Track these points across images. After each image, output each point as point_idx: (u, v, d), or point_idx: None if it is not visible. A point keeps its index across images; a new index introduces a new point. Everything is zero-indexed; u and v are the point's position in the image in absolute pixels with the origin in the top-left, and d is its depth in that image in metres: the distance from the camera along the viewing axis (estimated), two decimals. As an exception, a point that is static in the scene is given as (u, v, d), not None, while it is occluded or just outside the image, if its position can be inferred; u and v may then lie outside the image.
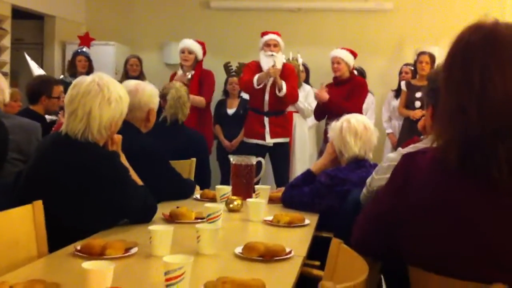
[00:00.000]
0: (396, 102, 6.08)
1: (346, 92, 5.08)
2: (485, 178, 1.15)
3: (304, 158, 6.06)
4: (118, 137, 2.23)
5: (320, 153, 5.39)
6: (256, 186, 2.92)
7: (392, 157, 2.05)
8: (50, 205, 1.97)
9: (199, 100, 5.25)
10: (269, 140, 5.05)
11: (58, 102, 4.10)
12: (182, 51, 5.38)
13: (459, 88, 1.19)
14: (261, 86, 4.97)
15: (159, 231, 1.83)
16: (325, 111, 5.18)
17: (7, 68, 6.41)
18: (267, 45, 5.06)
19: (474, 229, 1.16)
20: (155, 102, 2.85)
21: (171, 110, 3.52)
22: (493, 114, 1.14)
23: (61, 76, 6.44)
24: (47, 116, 4.16)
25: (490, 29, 1.20)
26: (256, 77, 4.95)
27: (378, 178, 2.08)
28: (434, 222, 1.19)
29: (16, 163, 2.73)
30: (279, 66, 4.96)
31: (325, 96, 5.04)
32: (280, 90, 4.93)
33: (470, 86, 1.17)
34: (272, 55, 4.99)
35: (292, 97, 5.08)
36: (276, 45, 5.06)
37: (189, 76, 5.31)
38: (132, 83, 2.84)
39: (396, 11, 7.00)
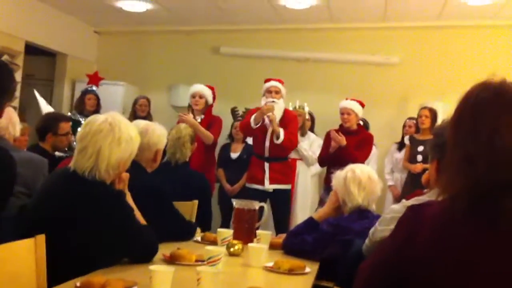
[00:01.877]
0: (399, 155, 6.12)
1: (354, 143, 5.12)
2: (494, 230, 1.16)
3: (306, 206, 6.06)
4: (126, 176, 2.25)
5: (320, 201, 5.39)
6: (257, 231, 2.92)
7: (396, 208, 2.06)
8: (52, 240, 1.97)
9: (208, 134, 5.26)
10: (268, 186, 5.05)
11: (65, 139, 4.11)
12: (193, 96, 5.43)
13: (467, 140, 1.22)
14: (258, 125, 4.99)
15: (160, 272, 1.83)
16: (333, 157, 5.19)
17: (16, 103, 6.48)
18: (269, 91, 5.13)
19: (485, 284, 1.16)
20: (163, 142, 2.89)
21: (170, 150, 3.57)
22: (502, 166, 1.17)
23: (69, 114, 6.52)
24: (56, 153, 4.18)
25: (499, 87, 1.23)
26: (252, 117, 5.00)
27: (381, 229, 2.08)
28: (443, 276, 1.19)
29: (21, 196, 2.74)
30: (278, 112, 5.01)
31: (343, 140, 5.04)
32: (278, 138, 4.97)
33: (479, 138, 1.19)
34: (273, 101, 5.06)
35: (290, 143, 5.09)
36: (277, 92, 5.12)
37: (199, 120, 5.37)
38: (142, 123, 2.89)
39: (402, 65, 7.12)
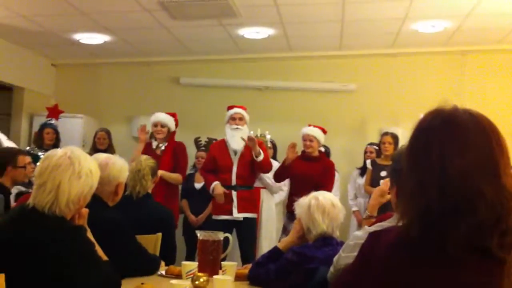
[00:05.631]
0: (361, 180, 6.20)
1: (318, 171, 5.19)
2: (443, 255, 1.18)
3: (271, 235, 6.05)
4: (85, 211, 2.20)
5: (284, 229, 5.41)
6: (222, 263, 2.89)
7: (359, 235, 2.08)
8: (12, 279, 1.91)
9: (176, 177, 5.32)
10: (237, 215, 5.04)
11: (24, 172, 4.05)
12: (155, 125, 5.44)
13: (419, 167, 1.25)
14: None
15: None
16: (295, 183, 5.27)
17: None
18: (232, 118, 5.17)
19: None
20: (124, 176, 2.85)
21: (131, 183, 3.53)
22: (451, 192, 1.20)
23: (27, 148, 6.39)
24: (16, 187, 4.10)
25: (449, 114, 1.28)
26: (211, 188, 5.06)
27: (345, 256, 2.10)
28: None
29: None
30: (245, 139, 5.06)
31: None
32: (257, 156, 4.99)
33: (430, 165, 1.23)
34: (237, 128, 5.09)
35: (268, 162, 5.16)
36: (241, 118, 5.17)
37: (162, 148, 5.36)
38: (102, 156, 2.85)
39: (359, 92, 7.28)
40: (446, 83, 6.96)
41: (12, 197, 4.17)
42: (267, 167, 5.20)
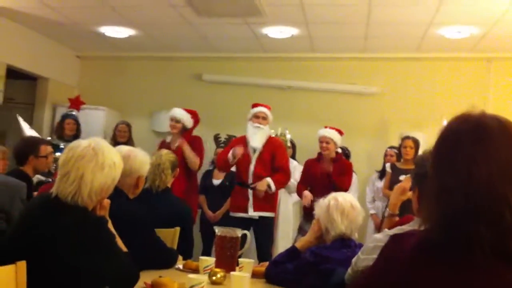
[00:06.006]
0: (380, 183, 6.16)
1: (335, 171, 5.17)
2: (468, 260, 1.17)
3: (288, 234, 6.05)
4: (107, 202, 2.22)
5: (300, 229, 5.40)
6: (240, 260, 2.90)
7: (379, 237, 2.07)
8: (33, 267, 1.94)
9: (194, 156, 5.32)
10: (252, 213, 5.04)
11: (46, 161, 4.10)
12: (170, 119, 5.49)
13: (445, 171, 1.24)
14: (236, 160, 5.04)
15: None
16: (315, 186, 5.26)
17: (-3, 127, 6.44)
18: (256, 116, 5.17)
19: None
20: (145, 169, 2.87)
21: (151, 177, 3.55)
22: (478, 197, 1.19)
23: (49, 138, 6.46)
24: (37, 176, 4.15)
25: (477, 119, 1.27)
26: (231, 152, 5.06)
27: (363, 258, 2.09)
28: None
29: (-2, 221, 2.71)
30: (262, 137, 5.05)
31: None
32: (270, 188, 5.02)
33: (456, 170, 1.22)
34: (259, 127, 5.09)
35: (282, 183, 5.17)
36: (264, 118, 5.17)
37: (177, 144, 5.38)
38: (125, 149, 2.87)
39: (382, 95, 7.23)
40: (470, 89, 6.88)
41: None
42: (285, 182, 5.21)
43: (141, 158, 2.86)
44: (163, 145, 5.49)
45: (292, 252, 2.76)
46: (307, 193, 5.23)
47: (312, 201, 2.87)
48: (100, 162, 2.09)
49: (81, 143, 2.14)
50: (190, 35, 6.78)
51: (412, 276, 1.21)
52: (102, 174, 2.10)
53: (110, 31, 6.81)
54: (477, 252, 1.16)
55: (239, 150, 4.98)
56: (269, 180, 5.00)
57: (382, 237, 2.03)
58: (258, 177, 5.08)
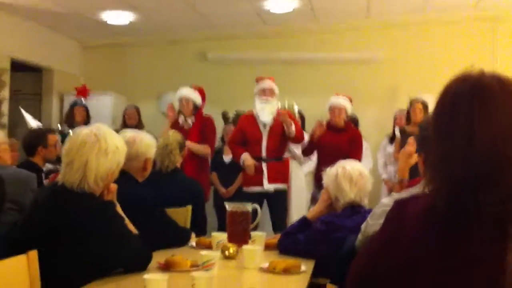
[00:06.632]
0: (391, 148, 6.13)
1: (345, 141, 5.15)
2: (471, 226, 1.15)
3: (301, 205, 6.06)
4: (114, 187, 2.24)
5: (312, 199, 5.41)
6: (251, 233, 2.92)
7: (385, 202, 2.07)
8: (45, 255, 1.97)
9: (204, 148, 5.33)
10: (268, 186, 5.05)
11: (55, 150, 4.14)
12: (180, 100, 5.46)
13: (446, 136, 1.21)
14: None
15: (154, 280, 1.83)
16: (322, 152, 5.25)
17: (5, 119, 6.47)
18: (262, 91, 5.14)
19: (467, 281, 1.15)
20: (152, 152, 2.89)
21: (159, 158, 3.57)
22: (480, 159, 1.16)
23: (59, 127, 6.50)
24: (47, 165, 4.20)
25: (476, 80, 1.23)
26: (241, 159, 5.05)
27: (372, 224, 2.09)
28: (425, 276, 1.19)
29: (10, 212, 2.74)
30: (271, 111, 5.04)
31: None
32: (289, 131, 4.99)
33: (457, 132, 1.19)
34: (266, 101, 5.07)
35: (301, 134, 5.16)
36: (271, 91, 5.14)
37: (190, 123, 5.39)
38: (129, 133, 2.88)
39: (388, 61, 7.14)
40: (477, 50, 6.78)
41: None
42: (300, 138, 5.19)
43: (147, 141, 2.87)
44: (176, 124, 5.47)
45: (303, 222, 2.77)
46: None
47: (321, 171, 2.87)
48: (103, 147, 2.10)
49: (82, 131, 2.15)
50: (191, 15, 6.72)
51: (414, 244, 1.20)
52: (106, 159, 2.11)
53: (111, 18, 6.78)
54: (476, 224, 1.13)
55: (249, 168, 4.99)
56: (292, 124, 5.00)
57: (388, 202, 2.02)
58: (272, 151, 5.07)
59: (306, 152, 5.52)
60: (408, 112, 5.96)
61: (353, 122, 6.00)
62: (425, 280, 1.18)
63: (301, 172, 6.15)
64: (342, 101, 5.30)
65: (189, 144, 5.02)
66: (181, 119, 5.47)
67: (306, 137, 5.94)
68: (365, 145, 6.27)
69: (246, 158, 5.02)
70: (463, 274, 1.14)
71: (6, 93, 6.51)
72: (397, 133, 5.91)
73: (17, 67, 6.84)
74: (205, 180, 5.44)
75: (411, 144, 2.44)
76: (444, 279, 1.15)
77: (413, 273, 1.19)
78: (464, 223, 1.15)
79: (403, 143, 5.71)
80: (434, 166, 1.23)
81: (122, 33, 7.49)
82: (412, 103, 5.87)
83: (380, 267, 1.27)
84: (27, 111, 6.00)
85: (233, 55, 7.60)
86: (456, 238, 1.16)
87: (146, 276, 1.85)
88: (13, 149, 4.66)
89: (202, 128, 5.43)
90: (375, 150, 6.62)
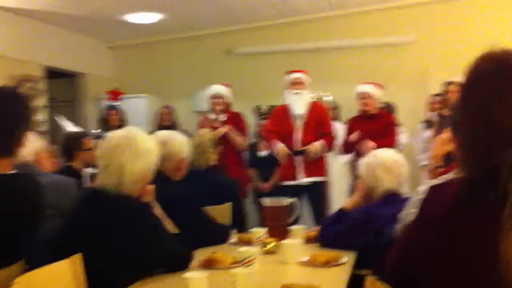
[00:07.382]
0: (427, 133, 6.03)
1: (379, 128, 5.09)
2: (493, 210, 1.13)
3: (342, 195, 6.02)
4: (151, 187, 2.27)
5: (351, 190, 5.37)
6: (291, 227, 2.91)
7: (421, 190, 2.04)
8: (87, 259, 2.00)
9: (241, 140, 5.40)
10: (302, 180, 5.04)
11: (92, 154, 4.19)
12: (212, 97, 5.50)
13: (473, 118, 1.20)
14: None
15: (194, 279, 1.85)
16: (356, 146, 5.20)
17: (45, 127, 6.61)
18: (293, 83, 5.13)
19: (488, 265, 1.13)
20: (184, 151, 2.91)
21: (193, 157, 3.59)
22: (505, 144, 1.14)
23: (95, 131, 6.60)
24: (89, 170, 4.26)
25: (502, 58, 1.21)
26: (276, 150, 5.06)
27: (410, 212, 2.06)
28: (449, 256, 1.18)
29: (53, 219, 2.79)
30: (303, 103, 5.01)
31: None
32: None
33: (484, 116, 1.17)
34: (297, 93, 5.06)
35: (330, 146, 5.15)
36: (301, 83, 5.13)
37: (221, 120, 5.43)
38: (162, 134, 2.91)
39: (419, 43, 7.03)
40: (510, 26, 6.59)
41: (87, 179, 4.35)
42: (330, 150, 5.19)
43: (179, 141, 2.89)
44: (206, 122, 5.51)
45: (340, 214, 2.75)
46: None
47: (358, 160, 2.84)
48: (136, 150, 2.13)
49: (114, 134, 2.18)
50: (214, 10, 6.73)
51: (446, 229, 1.19)
52: (140, 161, 2.13)
53: (137, 18, 6.84)
54: (503, 199, 1.11)
55: (283, 159, 5.00)
56: (320, 142, 4.97)
57: (424, 189, 1.99)
58: (306, 145, 5.04)
59: (346, 152, 5.49)
60: (443, 96, 5.85)
61: (388, 109, 5.92)
62: (455, 260, 1.16)
63: (338, 162, 6.11)
64: (368, 88, 5.24)
65: (230, 131, 5.07)
66: (213, 117, 5.52)
67: (340, 128, 5.89)
68: (403, 130, 6.19)
69: (281, 150, 5.00)
70: (491, 250, 1.12)
71: (43, 101, 6.64)
72: (436, 118, 5.81)
73: (51, 74, 6.97)
74: (244, 175, 5.48)
75: (446, 131, 2.39)
76: (473, 258, 1.14)
77: (444, 254, 1.18)
78: (492, 200, 1.13)
79: (440, 129, 5.63)
80: (464, 148, 1.22)
81: (149, 32, 7.57)
82: (447, 86, 5.76)
83: (414, 251, 1.26)
84: (63, 118, 6.11)
85: (258, 48, 7.60)
86: (482, 214, 1.14)
87: (186, 274, 1.87)
88: (53, 156, 4.76)
89: (234, 124, 5.46)
90: (411, 135, 6.53)
